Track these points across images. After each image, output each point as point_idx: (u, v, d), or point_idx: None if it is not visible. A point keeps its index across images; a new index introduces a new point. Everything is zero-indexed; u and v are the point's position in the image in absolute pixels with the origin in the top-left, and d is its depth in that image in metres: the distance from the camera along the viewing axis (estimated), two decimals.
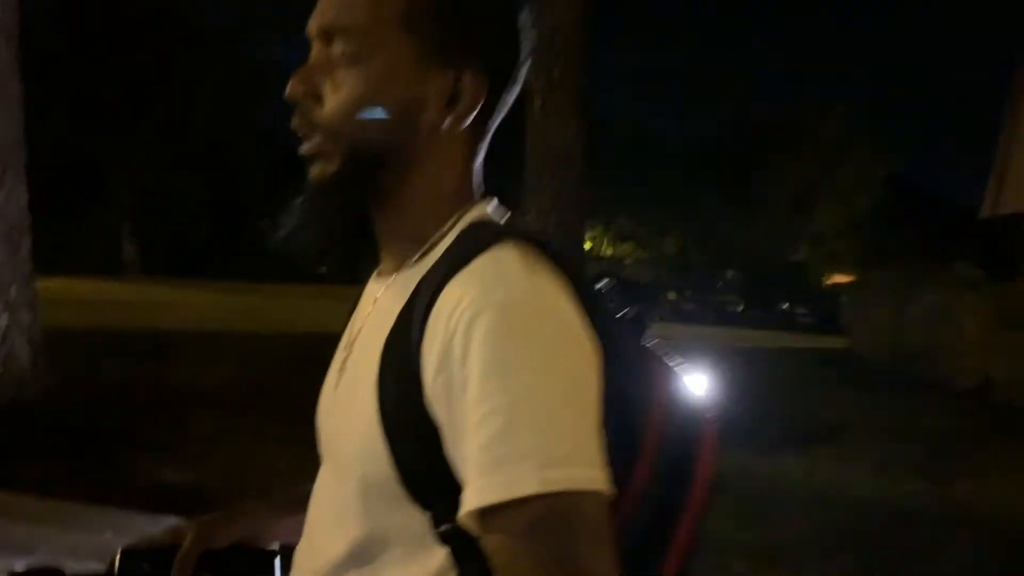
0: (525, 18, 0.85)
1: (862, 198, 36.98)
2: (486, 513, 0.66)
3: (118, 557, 1.02)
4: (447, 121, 0.81)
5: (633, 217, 39.09)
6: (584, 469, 0.66)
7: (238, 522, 1.06)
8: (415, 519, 0.74)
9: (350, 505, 0.79)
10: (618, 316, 0.88)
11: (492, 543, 0.68)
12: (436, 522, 0.73)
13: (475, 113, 0.81)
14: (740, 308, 34.13)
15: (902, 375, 10.62)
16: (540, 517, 0.65)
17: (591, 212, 26.95)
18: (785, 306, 33.41)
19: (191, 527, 1.04)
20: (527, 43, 0.85)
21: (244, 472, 4.47)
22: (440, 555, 0.74)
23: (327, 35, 0.81)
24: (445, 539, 0.73)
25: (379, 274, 0.89)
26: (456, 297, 0.71)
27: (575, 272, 0.76)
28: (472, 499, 0.67)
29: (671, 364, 0.87)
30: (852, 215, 37.38)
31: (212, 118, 29.65)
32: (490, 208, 0.86)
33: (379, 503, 0.76)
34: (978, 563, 4.05)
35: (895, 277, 13.28)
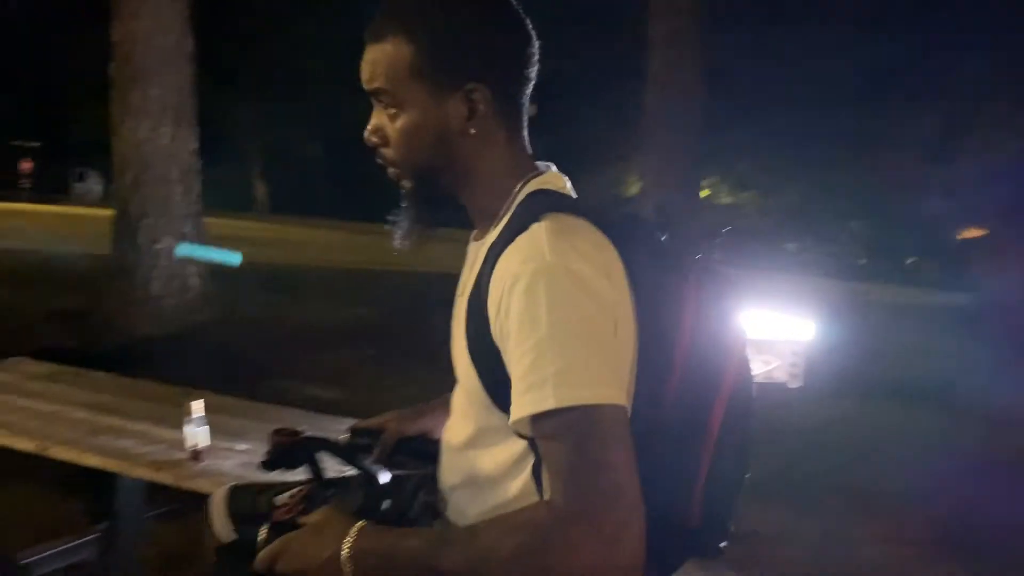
0: (510, 19, 1.08)
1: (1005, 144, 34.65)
2: (527, 422, 0.94)
3: (348, 433, 1.43)
4: (472, 129, 1.07)
5: (755, 164, 37.98)
6: (593, 388, 0.91)
7: (424, 417, 1.45)
8: (500, 419, 1.01)
9: (465, 408, 1.11)
10: (663, 256, 1.07)
11: (537, 443, 0.96)
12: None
13: (494, 113, 1.07)
14: (863, 261, 32.93)
15: None
16: (561, 424, 0.91)
17: (709, 160, 26.55)
18: (912, 260, 32.03)
19: (392, 417, 1.44)
20: (519, 38, 1.08)
21: (376, 399, 4.97)
22: (521, 444, 1.02)
23: (373, 95, 1.11)
24: (519, 435, 1.01)
25: (474, 238, 1.18)
26: (504, 266, 0.98)
27: (616, 228, 1.01)
28: (513, 413, 0.96)
29: (716, 295, 1.06)
30: (989, 164, 35.12)
31: (329, 71, 30.79)
32: (544, 177, 1.11)
33: (479, 407, 1.06)
34: None
35: None
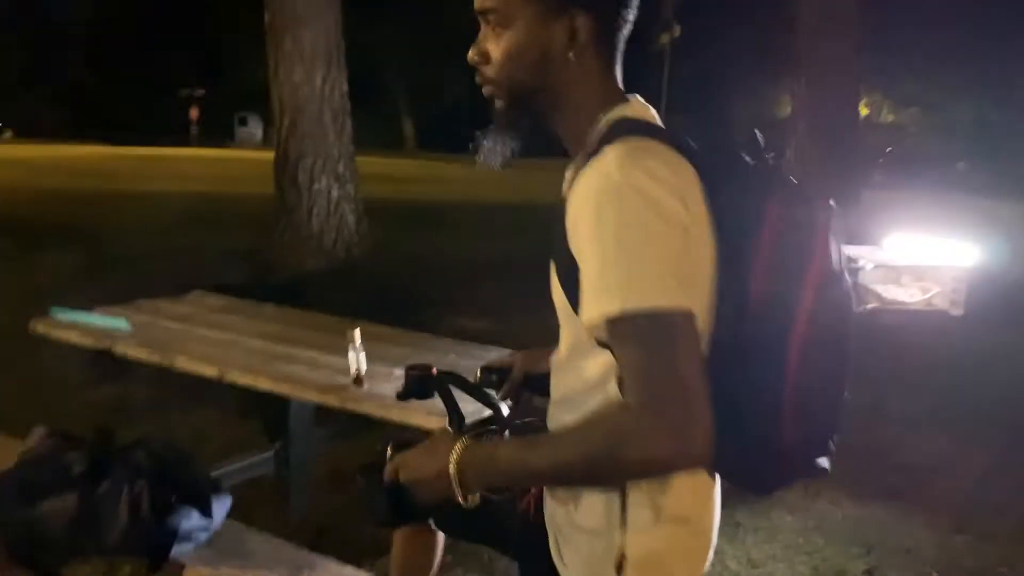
0: None
1: None
2: (601, 328, 1.01)
3: (479, 371, 1.53)
4: (571, 55, 1.12)
5: (921, 80, 35.23)
6: (658, 294, 0.97)
7: (550, 355, 1.50)
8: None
9: (562, 326, 1.18)
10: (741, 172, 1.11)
11: (611, 348, 1.03)
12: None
13: (593, 44, 1.12)
14: None
15: None
16: (629, 327, 0.98)
17: (869, 76, 24.91)
18: None
19: (520, 356, 1.54)
20: None
21: (525, 330, 5.09)
22: (608, 356, 1.08)
23: (482, 14, 1.15)
24: (599, 343, 1.09)
25: (569, 165, 1.22)
26: (580, 188, 1.05)
27: (695, 152, 1.07)
28: (583, 319, 1.04)
29: (800, 217, 1.06)
30: None
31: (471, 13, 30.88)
32: (628, 106, 1.15)
33: (570, 322, 1.13)
34: None
35: None
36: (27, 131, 36.03)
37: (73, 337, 2.90)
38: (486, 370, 1.53)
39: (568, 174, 1.19)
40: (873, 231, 6.29)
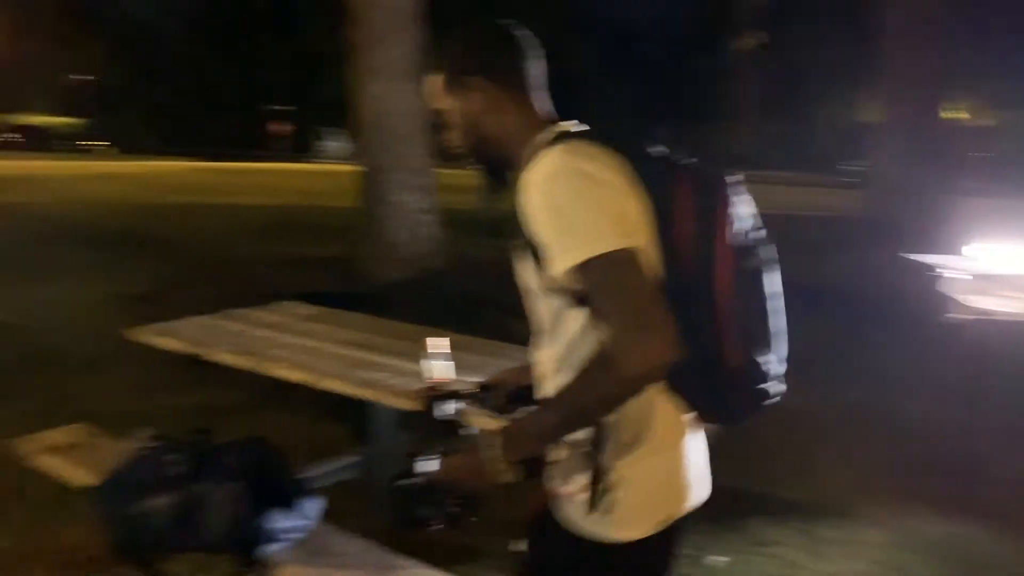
0: (494, 35, 1.46)
1: None
2: (568, 276, 1.23)
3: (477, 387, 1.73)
4: (484, 108, 1.44)
5: (1013, 84, 33.76)
6: (609, 239, 1.20)
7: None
8: (559, 301, 1.31)
9: (538, 304, 1.38)
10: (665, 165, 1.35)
11: (581, 294, 1.25)
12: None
13: (502, 93, 1.43)
14: None
15: None
16: (592, 271, 1.20)
17: (969, 79, 24.08)
18: None
19: (508, 372, 1.75)
20: (503, 36, 1.46)
21: None
22: (581, 312, 1.29)
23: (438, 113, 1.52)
24: (567, 294, 1.29)
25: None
26: (526, 182, 1.30)
27: (618, 144, 1.31)
28: (553, 272, 1.25)
29: (703, 191, 1.33)
30: None
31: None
32: (558, 126, 1.40)
33: (546, 298, 1.34)
34: None
35: None
36: (128, 146, 38.01)
37: (168, 343, 3.04)
38: (482, 386, 1.73)
39: (516, 187, 1.43)
40: (956, 237, 6.08)
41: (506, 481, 1.28)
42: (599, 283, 1.21)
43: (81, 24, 39.27)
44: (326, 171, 25.28)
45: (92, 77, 42.65)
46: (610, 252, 1.20)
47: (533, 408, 1.42)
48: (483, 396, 1.71)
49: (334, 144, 41.42)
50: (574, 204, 1.23)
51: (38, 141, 40.05)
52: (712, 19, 34.11)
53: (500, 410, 1.65)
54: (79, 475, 2.72)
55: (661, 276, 1.27)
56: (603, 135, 1.35)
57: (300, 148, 42.18)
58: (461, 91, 1.46)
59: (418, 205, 7.52)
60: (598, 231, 1.21)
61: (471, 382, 1.72)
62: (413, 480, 1.36)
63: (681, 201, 1.30)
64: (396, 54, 7.31)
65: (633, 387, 1.20)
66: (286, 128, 44.69)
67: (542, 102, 1.48)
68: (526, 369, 1.61)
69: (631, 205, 1.27)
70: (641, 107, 30.31)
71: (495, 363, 2.15)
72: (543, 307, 1.37)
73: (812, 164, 31.91)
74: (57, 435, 3.03)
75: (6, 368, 5.04)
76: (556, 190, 1.25)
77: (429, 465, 1.38)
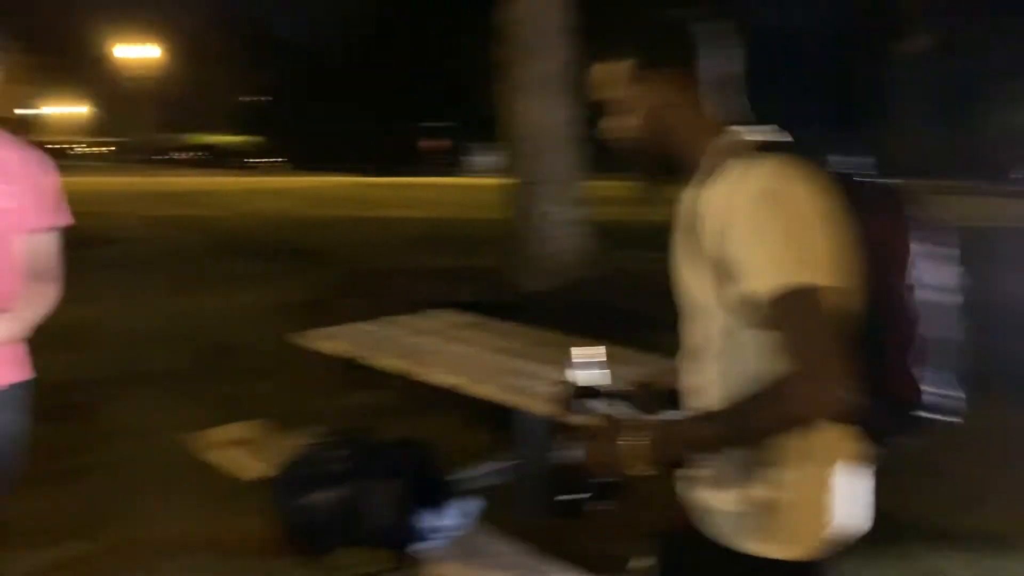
0: (680, 18, 1.38)
1: None
2: (762, 300, 1.19)
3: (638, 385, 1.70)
4: (671, 101, 1.36)
5: None
6: (799, 273, 1.16)
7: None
8: (735, 320, 1.28)
9: (701, 318, 1.35)
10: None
11: (768, 321, 1.20)
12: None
13: (685, 87, 1.35)
14: None
15: None
16: (781, 299, 1.17)
17: None
18: None
19: (655, 374, 1.72)
20: (691, 32, 1.36)
21: None
22: (756, 334, 1.24)
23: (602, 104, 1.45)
24: (750, 323, 1.25)
25: (688, 187, 1.40)
26: (727, 197, 1.24)
27: (820, 168, 1.25)
28: (741, 288, 1.21)
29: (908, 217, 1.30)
30: None
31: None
32: (735, 133, 1.34)
33: (716, 315, 1.30)
34: None
35: None
36: (299, 163, 40.66)
37: (330, 348, 3.21)
38: (642, 386, 1.70)
39: (688, 193, 1.38)
40: None
41: (640, 474, 1.27)
42: (787, 315, 1.18)
43: (254, 49, 42.28)
44: (475, 185, 25.87)
45: (267, 98, 45.79)
46: (804, 286, 1.17)
47: (684, 413, 1.43)
48: (630, 395, 1.69)
49: (483, 158, 42.36)
50: (780, 229, 1.19)
51: (218, 159, 43.46)
52: (875, 19, 32.59)
53: (647, 411, 1.64)
54: (254, 468, 2.92)
55: (853, 309, 1.23)
56: (806, 151, 1.29)
57: (451, 163, 43.43)
58: (649, 81, 1.38)
59: (566, 216, 7.58)
60: (798, 262, 1.18)
61: (618, 382, 1.71)
62: (561, 465, 1.38)
63: (881, 229, 1.27)
64: (545, 69, 7.41)
65: (799, 425, 1.19)
66: (439, 144, 46.17)
67: (729, 102, 1.40)
68: (674, 372, 1.58)
69: (835, 236, 1.23)
70: (801, 112, 29.36)
71: (636, 372, 2.14)
72: (712, 323, 1.34)
73: (982, 172, 29.78)
74: (234, 430, 3.26)
75: (183, 370, 5.47)
76: (763, 211, 1.21)
77: (572, 453, 1.37)
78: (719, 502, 1.34)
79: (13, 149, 2.02)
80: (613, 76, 1.42)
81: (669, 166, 1.43)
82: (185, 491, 3.43)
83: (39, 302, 1.98)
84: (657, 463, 1.27)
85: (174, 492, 3.43)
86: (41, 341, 2.06)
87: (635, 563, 1.44)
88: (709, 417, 1.28)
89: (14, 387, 2.00)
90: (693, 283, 1.34)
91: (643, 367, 2.74)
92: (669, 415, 1.52)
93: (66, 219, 2.08)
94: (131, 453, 3.94)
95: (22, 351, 2.03)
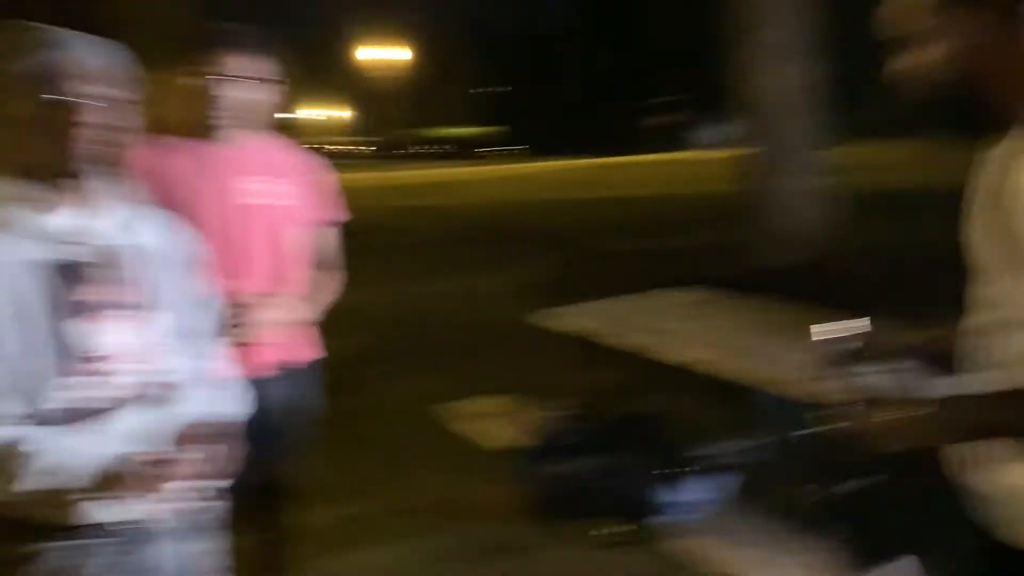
0: None
1: None
2: None
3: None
4: (992, 38, 1.11)
5: None
6: None
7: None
8: None
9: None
10: None
11: None
12: None
13: (1001, 21, 1.10)
14: None
15: None
16: None
17: None
18: None
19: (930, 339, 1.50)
20: None
21: None
22: None
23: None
24: None
25: (994, 144, 1.17)
26: None
27: None
28: None
29: None
30: None
31: None
32: None
33: None
34: None
35: None
36: (539, 150, 42.18)
37: (569, 326, 3.30)
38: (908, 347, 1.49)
39: (996, 155, 1.15)
40: None
41: (892, 451, 1.17)
42: None
43: (485, 40, 44.10)
44: (701, 159, 25.25)
45: (505, 88, 47.72)
46: None
47: (967, 384, 1.26)
48: (896, 364, 1.46)
49: (709, 132, 41.28)
50: None
51: (461, 150, 45.96)
52: None
53: (917, 382, 1.44)
54: (500, 438, 3.07)
55: None
56: None
57: (676, 139, 42.78)
58: (967, 13, 1.15)
59: (809, 186, 7.22)
60: None
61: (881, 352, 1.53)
62: (816, 443, 1.30)
63: None
64: (782, 34, 7.08)
65: None
66: (663, 120, 45.60)
67: None
68: (947, 337, 1.39)
69: None
70: None
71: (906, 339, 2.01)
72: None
73: None
74: (481, 404, 3.46)
75: (431, 347, 5.85)
76: None
77: (832, 428, 1.28)
78: (997, 489, 1.20)
79: (283, 150, 2.25)
80: (916, 4, 1.19)
81: (977, 117, 1.20)
82: (430, 460, 3.65)
83: (326, 288, 2.20)
84: (933, 441, 1.15)
85: (432, 459, 3.66)
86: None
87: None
88: (1004, 397, 1.10)
89: (312, 364, 2.24)
90: (992, 263, 1.17)
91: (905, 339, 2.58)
92: (946, 386, 1.33)
93: (343, 214, 2.29)
94: (393, 424, 4.27)
95: (316, 332, 2.27)
